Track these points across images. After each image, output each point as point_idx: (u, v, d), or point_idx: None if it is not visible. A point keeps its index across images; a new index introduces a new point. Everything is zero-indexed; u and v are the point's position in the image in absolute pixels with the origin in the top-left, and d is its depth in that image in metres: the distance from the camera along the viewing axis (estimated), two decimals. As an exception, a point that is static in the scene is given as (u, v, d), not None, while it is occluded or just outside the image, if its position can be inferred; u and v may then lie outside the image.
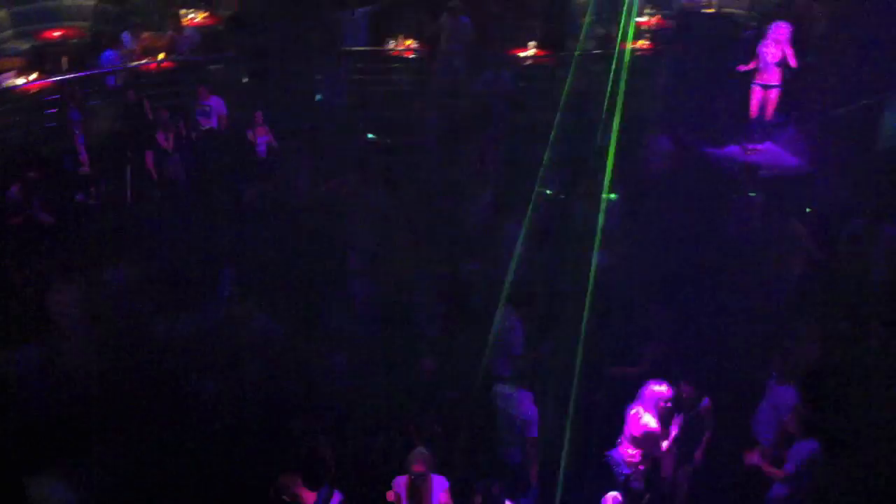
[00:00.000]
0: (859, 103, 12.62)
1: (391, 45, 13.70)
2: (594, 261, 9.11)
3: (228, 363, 8.77)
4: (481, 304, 9.33)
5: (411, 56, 13.79)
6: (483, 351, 8.75)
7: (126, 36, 13.79)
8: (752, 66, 12.10)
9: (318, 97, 13.48)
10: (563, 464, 7.89)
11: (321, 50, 13.68)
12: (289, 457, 7.54)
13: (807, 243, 10.03)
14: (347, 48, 13.93)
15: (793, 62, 11.94)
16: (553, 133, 11.13)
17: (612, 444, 8.03)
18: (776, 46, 11.95)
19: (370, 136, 12.96)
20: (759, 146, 12.21)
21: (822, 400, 7.80)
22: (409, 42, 13.70)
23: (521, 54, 13.57)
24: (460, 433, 8.16)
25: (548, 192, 10.82)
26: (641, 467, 7.81)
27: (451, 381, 8.69)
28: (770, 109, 12.20)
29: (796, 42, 12.19)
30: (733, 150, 12.24)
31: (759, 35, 12.32)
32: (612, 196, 10.44)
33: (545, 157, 10.63)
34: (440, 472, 7.36)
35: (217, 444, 7.92)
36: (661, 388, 7.85)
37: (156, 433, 7.98)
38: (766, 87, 12.14)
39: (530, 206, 10.16)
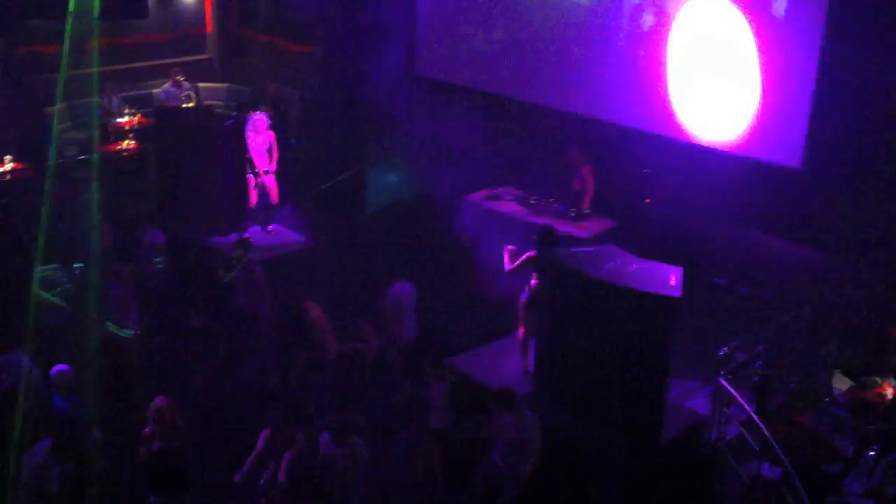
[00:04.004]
0: (343, 176, 13.67)
1: None
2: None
3: None
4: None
5: None
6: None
7: None
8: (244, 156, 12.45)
9: None
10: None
11: None
12: None
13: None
14: None
15: (274, 148, 12.49)
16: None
17: None
18: (258, 135, 12.38)
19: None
20: (269, 227, 12.57)
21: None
22: None
23: (-5, 171, 12.58)
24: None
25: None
26: None
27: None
28: (271, 193, 12.60)
29: (276, 127, 12.81)
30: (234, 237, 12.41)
31: (241, 124, 12.73)
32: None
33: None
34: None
35: None
36: None
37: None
38: (258, 174, 12.52)
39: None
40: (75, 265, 10.68)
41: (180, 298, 11.19)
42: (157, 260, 11.69)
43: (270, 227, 12.61)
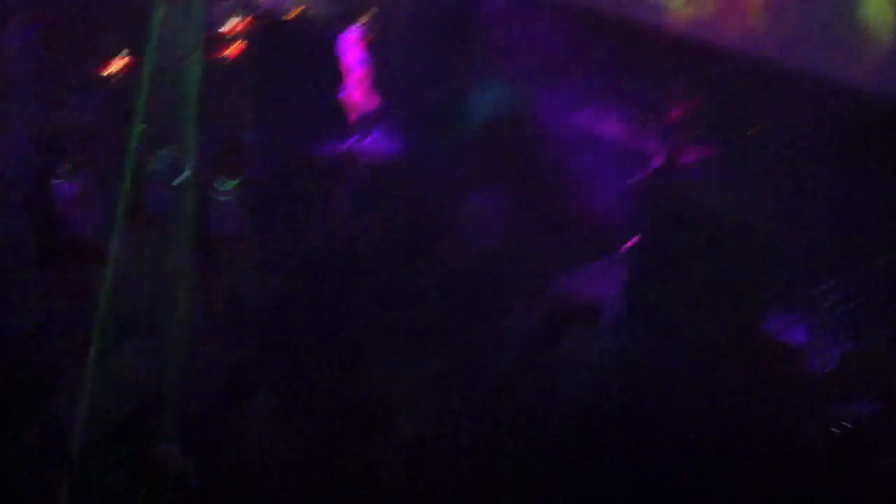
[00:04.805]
0: (444, 92, 13.62)
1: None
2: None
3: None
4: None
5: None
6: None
7: None
8: (344, 66, 12.51)
9: None
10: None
11: None
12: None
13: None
14: None
15: (369, 61, 12.48)
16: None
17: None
18: (356, 47, 12.43)
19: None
20: (365, 138, 12.68)
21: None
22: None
23: (107, 72, 12.78)
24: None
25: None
26: None
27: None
28: (367, 104, 12.67)
29: (374, 40, 12.81)
30: (339, 146, 12.55)
31: (343, 36, 12.73)
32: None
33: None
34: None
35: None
36: None
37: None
38: (357, 85, 12.59)
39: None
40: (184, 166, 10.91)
41: (280, 206, 11.38)
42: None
43: (368, 138, 12.71)
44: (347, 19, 13.39)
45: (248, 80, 13.87)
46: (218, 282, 9.80)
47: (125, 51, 12.42)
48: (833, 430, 8.40)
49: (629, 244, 10.15)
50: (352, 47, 12.47)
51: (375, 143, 12.73)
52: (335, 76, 12.80)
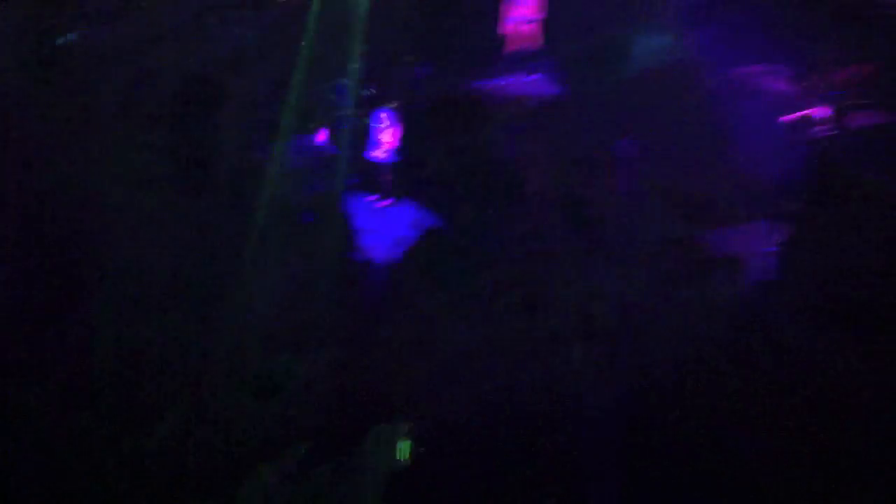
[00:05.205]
0: (607, 35, 13.45)
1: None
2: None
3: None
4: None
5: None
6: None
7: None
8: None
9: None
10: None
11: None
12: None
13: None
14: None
15: None
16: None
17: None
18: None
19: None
20: (524, 78, 12.69)
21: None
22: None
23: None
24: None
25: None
26: None
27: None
28: (529, 42, 12.66)
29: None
30: (496, 82, 12.60)
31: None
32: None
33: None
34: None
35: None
36: None
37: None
38: (522, 22, 12.57)
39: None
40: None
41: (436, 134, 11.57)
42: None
43: (529, 78, 12.72)
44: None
45: (413, 8, 14.04)
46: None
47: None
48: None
49: (783, 208, 9.95)
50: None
51: (535, 82, 12.72)
52: (499, 10, 12.80)
